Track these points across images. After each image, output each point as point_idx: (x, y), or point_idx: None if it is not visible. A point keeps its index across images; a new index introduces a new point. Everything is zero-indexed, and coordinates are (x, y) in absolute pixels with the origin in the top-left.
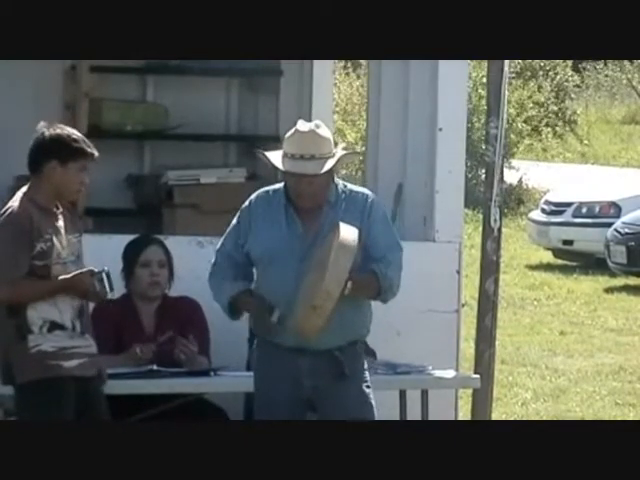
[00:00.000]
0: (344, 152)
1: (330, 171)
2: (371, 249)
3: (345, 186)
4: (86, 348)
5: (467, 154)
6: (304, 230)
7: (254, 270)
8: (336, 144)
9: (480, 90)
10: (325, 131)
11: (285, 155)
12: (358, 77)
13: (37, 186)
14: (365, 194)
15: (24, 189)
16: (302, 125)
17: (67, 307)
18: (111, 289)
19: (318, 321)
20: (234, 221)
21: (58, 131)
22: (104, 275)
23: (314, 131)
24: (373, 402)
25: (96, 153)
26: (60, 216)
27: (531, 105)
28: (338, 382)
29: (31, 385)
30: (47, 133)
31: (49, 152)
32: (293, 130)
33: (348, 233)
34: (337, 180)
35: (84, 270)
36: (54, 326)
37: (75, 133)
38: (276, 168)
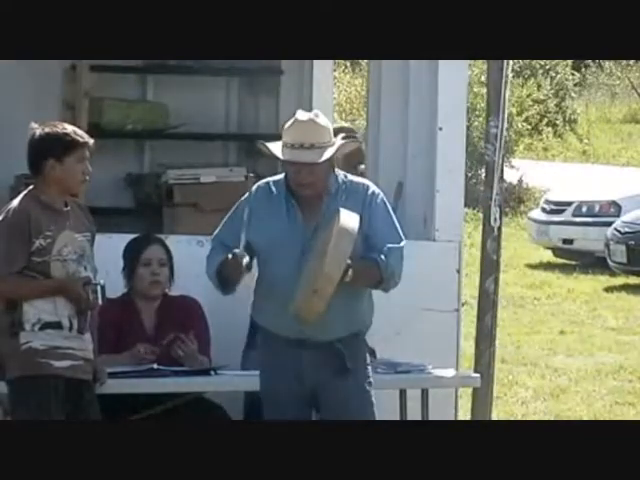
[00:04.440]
0: (343, 141)
1: (330, 160)
2: (372, 239)
3: (346, 177)
4: (81, 351)
5: (467, 153)
6: (305, 221)
7: (250, 260)
8: (336, 134)
9: (476, 88)
10: (324, 120)
11: (285, 145)
12: (359, 76)
13: (41, 186)
14: (366, 185)
15: (30, 188)
16: (301, 114)
17: (65, 304)
18: (103, 301)
19: (318, 305)
20: (232, 210)
21: (47, 130)
22: (99, 287)
23: (313, 120)
24: (374, 399)
25: (90, 140)
26: (69, 214)
27: (531, 104)
28: (339, 377)
29: (19, 381)
30: (37, 134)
31: (44, 152)
32: (292, 119)
33: (349, 218)
34: (338, 171)
35: (78, 277)
36: (48, 324)
37: (65, 127)
38: (276, 158)
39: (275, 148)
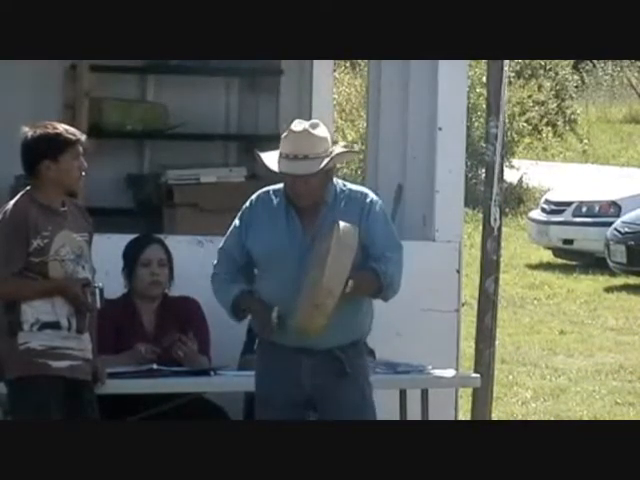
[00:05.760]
0: (339, 150)
1: (327, 170)
2: (370, 248)
3: (344, 185)
4: (80, 351)
5: (467, 153)
6: (304, 230)
7: (255, 270)
8: (335, 143)
9: (478, 89)
10: (321, 131)
11: (280, 155)
12: (360, 76)
13: (38, 186)
14: (364, 193)
15: (27, 189)
16: (297, 125)
17: (63, 304)
18: (101, 304)
19: (320, 319)
20: (235, 221)
21: (39, 131)
22: (97, 290)
23: (308, 131)
24: (374, 403)
25: (82, 137)
26: (67, 214)
27: (531, 104)
28: (339, 381)
29: (18, 382)
30: (30, 136)
31: (38, 154)
32: (288, 130)
33: (347, 231)
34: (336, 180)
35: (76, 279)
36: (46, 325)
37: (56, 126)
38: (270, 171)
39: (271, 159)
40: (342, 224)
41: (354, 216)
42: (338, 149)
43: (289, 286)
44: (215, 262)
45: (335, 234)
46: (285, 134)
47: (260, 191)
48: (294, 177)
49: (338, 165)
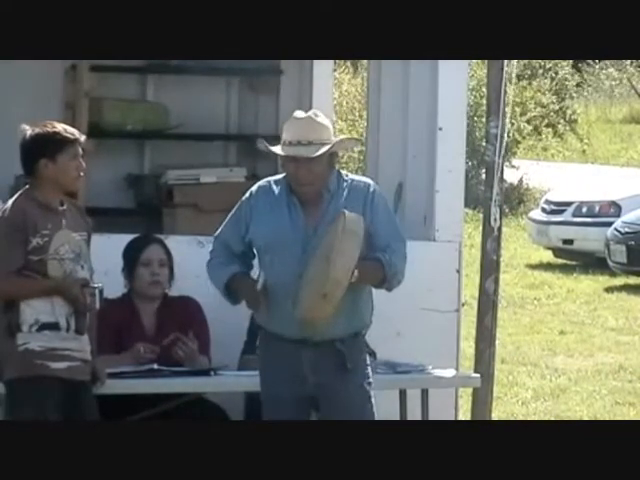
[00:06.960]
0: (342, 137)
1: (329, 158)
2: (374, 238)
3: (347, 176)
4: (78, 352)
5: (467, 153)
6: (306, 219)
7: (252, 259)
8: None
9: (484, 89)
10: (323, 118)
11: (283, 143)
12: (359, 76)
13: (36, 185)
14: (367, 183)
15: (25, 188)
16: (299, 113)
17: (62, 304)
18: (100, 304)
19: (328, 309)
20: (234, 210)
21: (38, 130)
22: (97, 291)
23: (310, 117)
24: (373, 399)
25: (81, 137)
26: (65, 213)
27: (532, 105)
28: (340, 377)
29: (17, 383)
30: (28, 135)
31: (36, 153)
32: (290, 118)
33: (354, 220)
34: (338, 170)
35: (75, 279)
36: (45, 326)
37: (55, 125)
38: (274, 154)
39: (275, 148)
40: (348, 213)
41: (357, 206)
42: (341, 136)
43: (292, 276)
44: (211, 249)
45: (341, 223)
46: (288, 122)
47: (260, 182)
48: (297, 164)
49: (337, 166)
